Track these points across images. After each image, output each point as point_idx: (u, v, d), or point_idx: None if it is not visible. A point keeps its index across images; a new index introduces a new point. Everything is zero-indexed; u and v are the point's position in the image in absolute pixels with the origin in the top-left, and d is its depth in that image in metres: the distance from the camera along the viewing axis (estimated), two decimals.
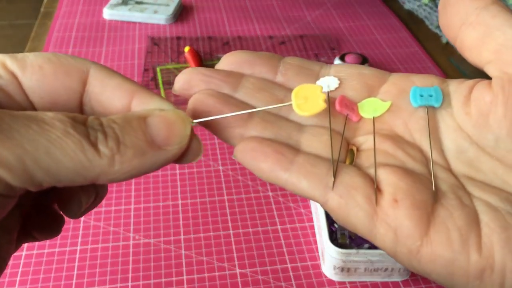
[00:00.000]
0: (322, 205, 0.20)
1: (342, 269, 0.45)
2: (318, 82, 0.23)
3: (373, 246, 0.47)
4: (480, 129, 0.20)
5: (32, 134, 0.15)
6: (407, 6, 0.91)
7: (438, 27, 0.83)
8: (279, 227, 0.50)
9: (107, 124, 0.17)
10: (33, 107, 0.19)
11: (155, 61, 0.73)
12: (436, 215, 0.18)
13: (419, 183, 0.19)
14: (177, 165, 0.57)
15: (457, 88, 0.22)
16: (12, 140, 0.15)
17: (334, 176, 0.19)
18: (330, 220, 0.49)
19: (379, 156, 0.21)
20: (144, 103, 0.20)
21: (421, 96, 0.22)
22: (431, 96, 0.22)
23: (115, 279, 0.45)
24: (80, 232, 0.49)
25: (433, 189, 0.19)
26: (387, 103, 0.23)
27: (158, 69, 0.71)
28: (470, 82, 0.22)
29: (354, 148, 0.22)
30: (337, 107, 0.22)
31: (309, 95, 0.21)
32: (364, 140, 0.22)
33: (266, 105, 0.22)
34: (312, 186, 0.19)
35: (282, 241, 0.49)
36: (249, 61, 0.24)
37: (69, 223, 0.50)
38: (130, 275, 0.45)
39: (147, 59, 0.73)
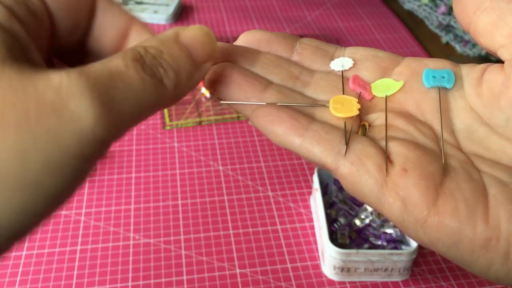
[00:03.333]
0: (332, 172, 0.20)
1: (342, 269, 0.45)
2: (332, 63, 0.24)
3: (373, 246, 0.47)
4: (491, 109, 0.21)
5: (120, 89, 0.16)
6: (407, 6, 0.91)
7: (438, 27, 0.84)
8: (279, 227, 0.50)
9: (159, 55, 0.18)
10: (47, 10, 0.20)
11: None
12: (445, 187, 0.18)
13: (429, 156, 0.19)
14: (177, 165, 0.57)
15: (469, 71, 0.22)
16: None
17: (347, 144, 0.20)
18: (330, 220, 0.49)
19: (391, 131, 0.21)
20: (141, 34, 0.21)
21: (434, 77, 0.22)
22: (443, 77, 0.22)
23: (115, 279, 0.45)
24: (80, 232, 0.49)
25: (443, 162, 0.19)
26: (400, 82, 0.23)
27: None
28: (482, 65, 0.22)
29: (366, 124, 0.22)
30: (350, 85, 0.23)
31: (345, 103, 0.22)
32: (377, 117, 0.22)
33: (282, 80, 0.23)
34: (324, 152, 0.20)
35: (282, 241, 0.49)
36: (266, 40, 0.25)
37: (69, 223, 0.50)
38: (130, 275, 0.45)
39: None
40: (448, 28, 0.83)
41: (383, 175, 0.19)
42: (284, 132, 0.20)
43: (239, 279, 0.45)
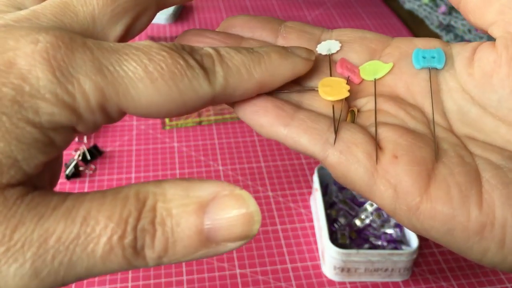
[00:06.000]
0: (321, 162, 0.19)
1: (342, 269, 0.45)
2: (319, 46, 0.23)
3: (373, 247, 0.47)
4: (483, 89, 0.20)
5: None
6: (407, 6, 0.91)
7: (438, 27, 0.83)
8: (279, 227, 0.50)
9: (160, 220, 0.15)
10: None
11: None
12: (437, 172, 0.18)
13: (420, 141, 0.19)
14: (177, 165, 0.57)
15: (460, 50, 0.22)
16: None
17: (336, 132, 0.19)
18: (330, 220, 0.48)
19: (380, 116, 0.21)
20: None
21: (424, 58, 0.22)
22: (433, 57, 0.22)
23: (114, 279, 0.45)
24: None
25: (435, 147, 0.19)
26: (389, 64, 0.22)
27: None
28: (473, 43, 0.22)
29: (355, 109, 0.22)
30: (338, 69, 0.22)
31: (334, 85, 0.21)
32: (366, 102, 0.22)
33: None
34: (312, 141, 0.19)
35: (282, 241, 0.49)
36: (249, 24, 0.24)
37: None
38: (130, 275, 0.45)
39: None
40: (448, 28, 0.83)
41: (373, 163, 0.18)
42: (269, 122, 0.20)
43: (239, 279, 0.45)
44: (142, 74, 0.15)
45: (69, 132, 0.15)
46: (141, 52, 0.16)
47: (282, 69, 0.19)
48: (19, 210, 0.14)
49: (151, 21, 0.20)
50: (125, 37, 0.19)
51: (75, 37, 0.15)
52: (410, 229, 0.18)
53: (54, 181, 0.18)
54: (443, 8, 0.82)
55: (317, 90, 0.21)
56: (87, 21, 0.17)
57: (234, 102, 0.21)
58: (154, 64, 0.16)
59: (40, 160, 0.15)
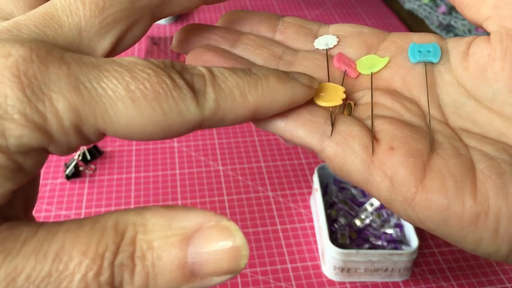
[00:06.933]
0: (318, 154, 0.20)
1: (342, 269, 0.45)
2: (316, 41, 0.24)
3: (373, 247, 0.47)
4: (478, 82, 0.20)
5: None
6: (407, 6, 0.91)
7: (438, 26, 0.83)
8: (279, 227, 0.50)
9: (140, 255, 0.14)
10: None
11: None
12: (432, 164, 0.18)
13: (416, 133, 0.19)
14: (177, 165, 0.57)
15: (455, 44, 0.22)
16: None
17: (332, 125, 0.19)
18: (330, 220, 0.48)
19: (377, 109, 0.21)
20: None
21: (419, 52, 0.22)
22: (429, 52, 0.22)
23: None
24: None
25: (430, 139, 0.19)
26: (385, 59, 0.23)
27: None
28: (468, 38, 0.22)
29: (352, 103, 0.22)
30: (335, 63, 0.23)
31: (330, 91, 0.21)
32: (362, 95, 0.22)
33: (265, 60, 0.23)
34: (309, 134, 0.19)
35: (282, 241, 0.49)
36: (247, 20, 0.24)
37: None
38: None
39: None
40: (448, 28, 0.83)
41: (369, 155, 0.19)
42: None
43: (239, 279, 0.45)
44: (123, 92, 0.14)
45: (40, 154, 0.14)
46: (124, 69, 0.14)
47: (280, 95, 0.18)
48: None
49: (145, 32, 0.18)
50: (115, 50, 0.18)
51: (52, 50, 0.14)
52: (406, 220, 0.19)
53: (30, 206, 0.17)
54: (443, 8, 0.82)
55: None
56: (72, 33, 0.16)
57: None
58: (137, 82, 0.14)
59: (7, 188, 0.13)
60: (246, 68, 0.17)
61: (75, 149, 0.15)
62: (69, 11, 0.16)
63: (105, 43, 0.17)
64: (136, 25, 0.18)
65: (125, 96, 0.14)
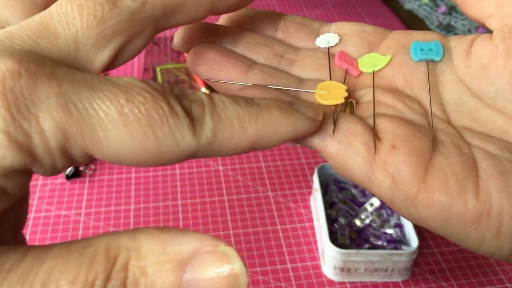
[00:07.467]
0: (320, 152, 0.20)
1: (342, 269, 0.45)
2: (318, 39, 0.24)
3: (373, 247, 0.47)
4: (480, 81, 0.20)
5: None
6: (407, 6, 0.91)
7: (438, 26, 0.83)
8: (279, 227, 0.50)
9: (133, 281, 0.13)
10: None
11: (155, 61, 0.73)
12: (434, 162, 0.18)
13: (418, 132, 0.19)
14: (177, 165, 0.57)
15: (457, 42, 0.22)
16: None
17: (334, 123, 0.19)
18: (330, 220, 0.48)
19: (379, 108, 0.21)
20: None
21: (422, 50, 0.22)
22: (431, 50, 0.22)
23: None
24: (80, 232, 0.49)
25: (432, 137, 0.19)
26: (387, 57, 0.23)
27: (158, 69, 0.71)
28: (471, 36, 0.22)
29: (354, 101, 0.22)
30: (337, 61, 0.23)
31: (332, 89, 0.21)
32: (364, 94, 0.22)
33: (266, 59, 0.23)
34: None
35: (282, 241, 0.49)
36: (249, 18, 0.24)
37: (69, 223, 0.50)
38: None
39: (147, 59, 0.73)
40: (448, 28, 0.83)
41: (371, 153, 0.18)
42: None
43: None
44: (116, 115, 0.13)
45: (24, 176, 0.13)
46: (120, 90, 0.13)
47: (282, 128, 0.17)
48: None
49: (147, 44, 0.17)
50: (113, 63, 0.17)
51: (43, 65, 0.13)
52: (408, 219, 0.19)
53: (19, 228, 0.16)
54: (443, 8, 0.82)
55: (314, 92, 0.21)
56: (68, 45, 0.15)
57: (235, 92, 0.21)
58: (131, 105, 0.13)
59: None
60: (249, 98, 0.16)
61: (60, 171, 0.14)
62: (65, 22, 0.15)
63: (103, 56, 0.16)
64: (137, 37, 0.17)
65: (117, 119, 0.13)
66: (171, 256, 0.13)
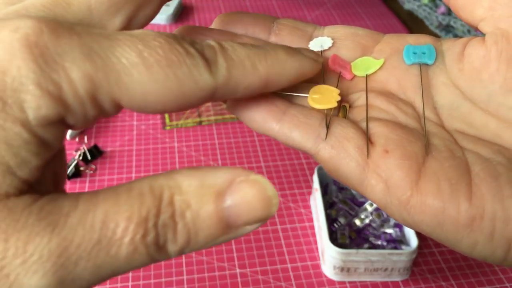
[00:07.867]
0: (313, 156, 0.20)
1: (342, 269, 0.45)
2: (311, 43, 0.24)
3: (373, 246, 0.47)
4: (473, 84, 0.20)
5: None
6: (407, 6, 0.91)
7: (438, 27, 0.84)
8: (279, 227, 0.50)
9: (180, 213, 0.15)
10: None
11: None
12: (427, 166, 0.18)
13: (411, 136, 0.19)
14: (177, 165, 0.57)
15: (450, 45, 0.22)
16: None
17: (327, 127, 0.19)
18: (330, 220, 0.49)
19: (372, 112, 0.21)
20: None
21: (414, 53, 0.22)
22: (424, 53, 0.22)
23: (115, 279, 0.45)
24: None
25: (425, 142, 0.19)
26: (380, 60, 0.23)
27: None
28: (463, 39, 0.22)
29: (347, 105, 0.22)
30: (330, 65, 0.23)
31: (325, 93, 0.21)
32: (357, 97, 0.22)
33: None
34: (304, 136, 0.19)
35: (282, 241, 0.49)
36: (242, 21, 0.24)
37: None
38: (130, 275, 0.45)
39: None
40: (448, 28, 0.83)
41: (364, 158, 0.19)
42: (262, 118, 0.20)
43: (239, 279, 0.45)
44: (136, 60, 0.14)
45: (60, 127, 0.14)
46: (136, 38, 0.14)
47: (289, 67, 0.18)
48: (29, 221, 0.13)
49: (156, 13, 0.19)
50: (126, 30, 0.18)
51: (61, 22, 0.14)
52: (401, 223, 0.19)
53: (60, 182, 0.17)
54: (442, 8, 0.82)
55: (307, 97, 0.21)
56: (81, 11, 0.16)
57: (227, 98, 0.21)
58: (149, 50, 0.14)
59: (35, 164, 0.13)
60: (255, 44, 0.18)
61: (92, 121, 0.15)
62: None
63: (116, 22, 0.17)
64: (146, 5, 0.18)
65: (139, 63, 0.14)
66: (210, 189, 0.15)
